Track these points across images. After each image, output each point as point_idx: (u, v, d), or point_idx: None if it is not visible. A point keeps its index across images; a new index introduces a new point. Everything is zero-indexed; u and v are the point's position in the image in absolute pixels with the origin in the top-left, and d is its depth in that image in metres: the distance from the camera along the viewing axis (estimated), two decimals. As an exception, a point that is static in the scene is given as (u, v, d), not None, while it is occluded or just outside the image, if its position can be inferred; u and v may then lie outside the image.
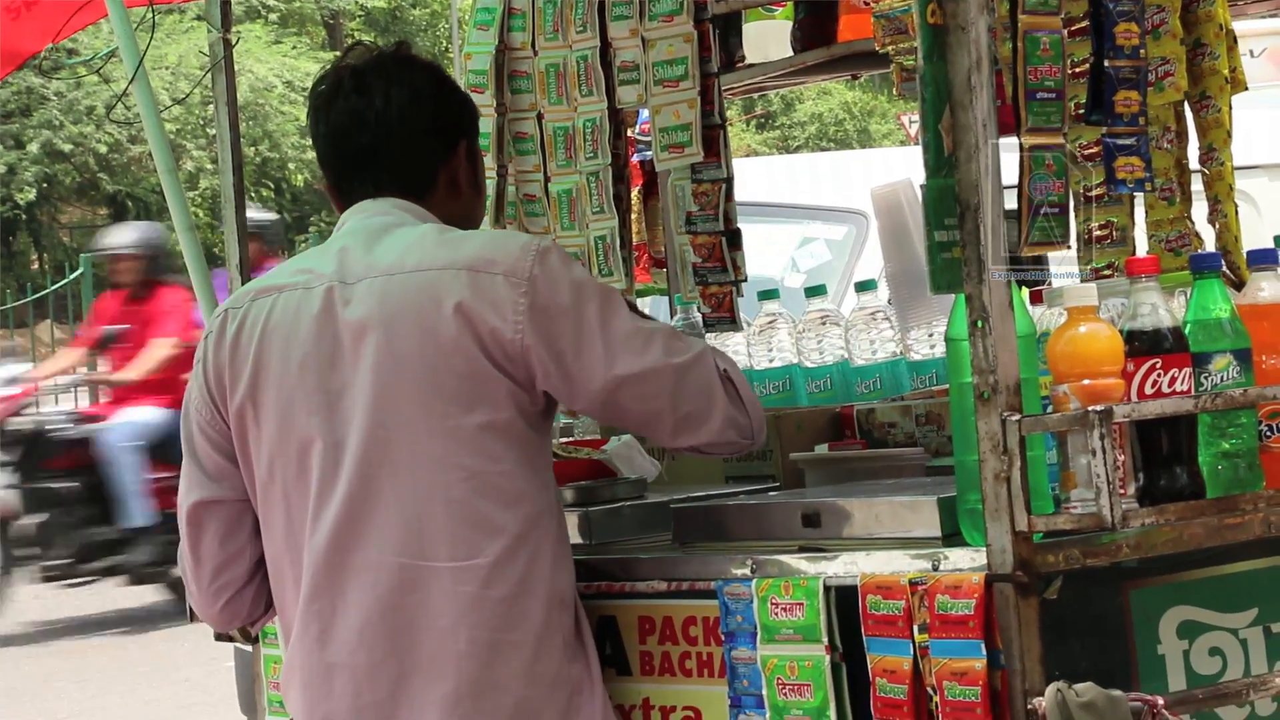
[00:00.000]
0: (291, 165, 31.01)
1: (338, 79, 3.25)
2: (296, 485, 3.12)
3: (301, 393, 3.11)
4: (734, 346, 4.47)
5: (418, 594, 3.05)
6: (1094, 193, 3.60)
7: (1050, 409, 2.85)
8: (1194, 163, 3.91)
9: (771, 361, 4.39)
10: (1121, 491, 2.81)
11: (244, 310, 3.21)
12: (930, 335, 4.15)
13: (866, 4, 4.13)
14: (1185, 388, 2.92)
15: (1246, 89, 3.94)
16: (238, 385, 3.17)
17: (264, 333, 3.16)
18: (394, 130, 3.21)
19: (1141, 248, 3.87)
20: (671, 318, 4.71)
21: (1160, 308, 2.95)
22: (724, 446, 3.16)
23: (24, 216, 30.25)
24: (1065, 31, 3.12)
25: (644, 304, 6.01)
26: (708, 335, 4.41)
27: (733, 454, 3.21)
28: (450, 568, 3.04)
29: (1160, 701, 2.77)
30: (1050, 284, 3.45)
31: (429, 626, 3.05)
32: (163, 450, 10.62)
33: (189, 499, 3.27)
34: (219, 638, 3.89)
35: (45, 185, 29.84)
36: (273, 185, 31.21)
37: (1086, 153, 3.53)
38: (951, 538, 2.94)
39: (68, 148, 29.16)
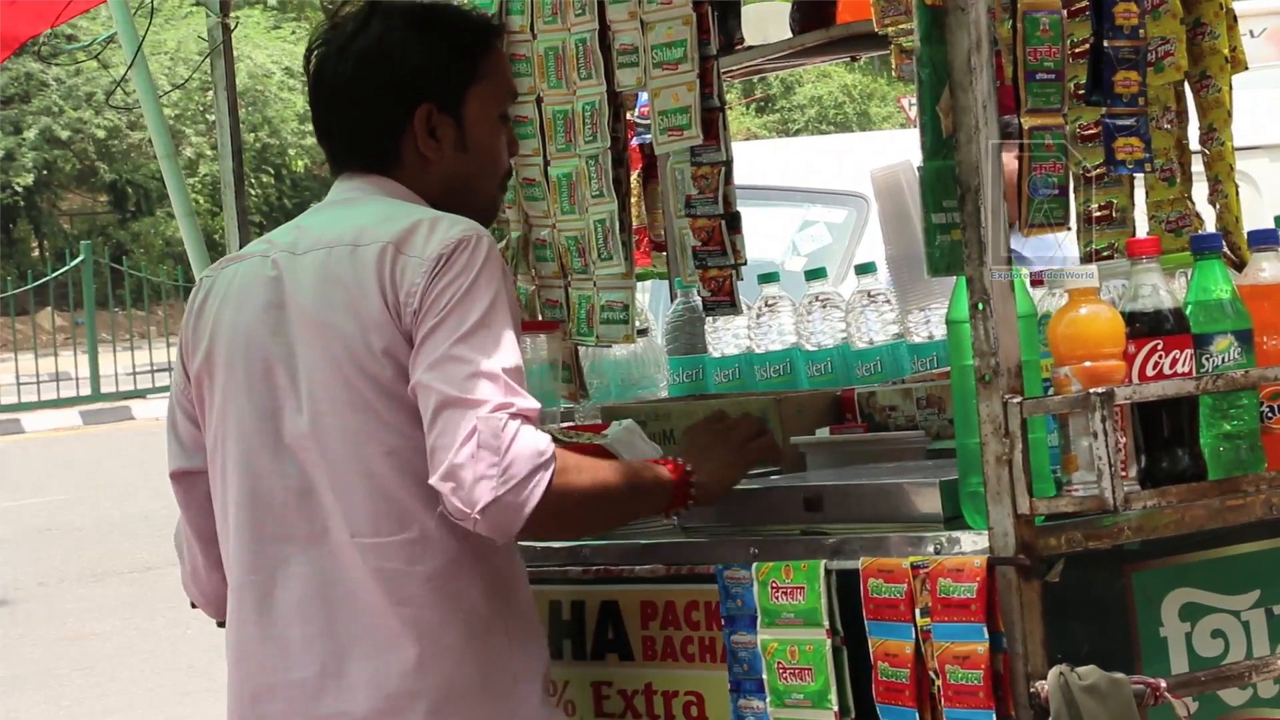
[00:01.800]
0: (291, 151, 31.00)
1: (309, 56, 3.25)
2: (235, 454, 3.11)
3: (243, 361, 3.11)
4: (734, 330, 4.46)
5: (351, 569, 3.02)
6: (1094, 173, 3.59)
7: (1051, 391, 2.84)
8: (1194, 143, 3.90)
9: (772, 345, 4.38)
10: (1123, 474, 2.81)
11: (213, 279, 3.22)
12: (931, 318, 4.14)
13: (865, -15, 4.11)
14: (1186, 369, 2.92)
15: (1247, 69, 3.93)
16: (197, 352, 3.18)
17: (222, 301, 3.17)
18: (338, 109, 3.18)
19: (1141, 229, 3.86)
20: (671, 301, 4.71)
21: (1161, 289, 2.94)
22: (447, 501, 2.93)
23: (23, 203, 30.25)
24: (1065, 12, 3.12)
25: (644, 288, 5.98)
26: (707, 319, 4.40)
27: (452, 514, 2.94)
28: (374, 543, 3.01)
29: (1163, 684, 2.77)
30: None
31: (362, 603, 3.02)
32: None
33: (169, 469, 3.26)
34: (221, 624, 3.88)
35: (45, 172, 29.83)
36: (272, 171, 31.21)
37: (1086, 133, 3.52)
38: (953, 521, 2.94)
39: (66, 134, 29.14)
